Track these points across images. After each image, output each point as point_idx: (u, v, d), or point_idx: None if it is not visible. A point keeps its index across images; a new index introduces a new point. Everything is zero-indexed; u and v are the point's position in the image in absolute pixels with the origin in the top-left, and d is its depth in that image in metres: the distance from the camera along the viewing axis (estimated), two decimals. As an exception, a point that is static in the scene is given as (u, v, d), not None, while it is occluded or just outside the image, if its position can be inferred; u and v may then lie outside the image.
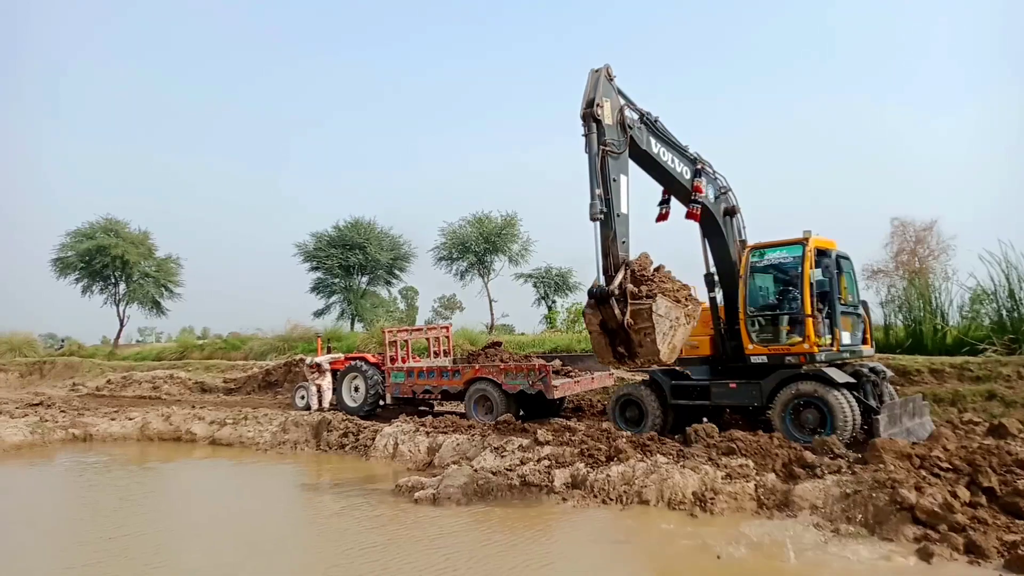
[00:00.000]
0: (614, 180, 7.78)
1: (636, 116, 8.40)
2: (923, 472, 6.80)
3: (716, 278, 9.94)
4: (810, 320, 8.81)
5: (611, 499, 7.41)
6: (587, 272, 35.36)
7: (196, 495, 9.58)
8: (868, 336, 9.99)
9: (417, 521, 7.03)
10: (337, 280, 34.74)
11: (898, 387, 10.99)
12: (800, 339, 8.96)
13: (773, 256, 9.51)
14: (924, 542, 5.68)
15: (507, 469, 8.57)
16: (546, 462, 8.59)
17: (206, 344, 32.37)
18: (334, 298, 35.27)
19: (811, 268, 8.96)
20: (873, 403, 8.77)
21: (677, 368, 10.16)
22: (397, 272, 36.45)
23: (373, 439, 10.95)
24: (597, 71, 7.99)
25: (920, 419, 9.15)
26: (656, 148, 8.70)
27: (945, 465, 6.86)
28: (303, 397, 15.16)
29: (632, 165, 8.49)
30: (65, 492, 9.90)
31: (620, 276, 7.42)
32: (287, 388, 19.37)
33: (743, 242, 9.95)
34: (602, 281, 7.58)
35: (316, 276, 34.85)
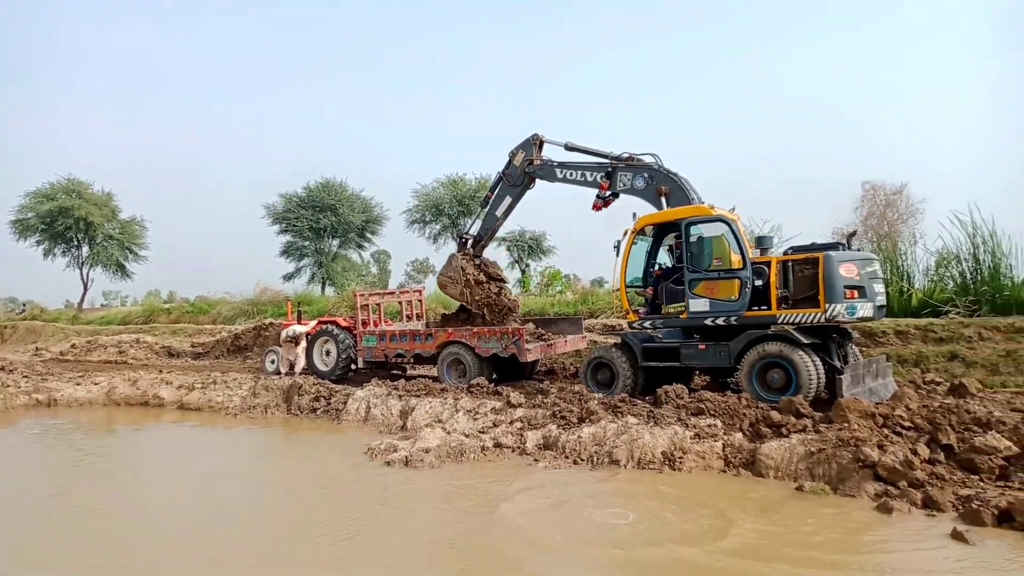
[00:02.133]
0: (499, 195, 12.36)
1: (539, 163, 11.82)
2: (885, 431, 6.99)
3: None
4: (620, 292, 10.28)
5: (582, 460, 7.51)
6: (561, 236, 35.31)
7: (162, 457, 9.49)
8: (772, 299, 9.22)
9: (389, 484, 7.03)
10: (307, 243, 34.20)
11: (865, 348, 11.23)
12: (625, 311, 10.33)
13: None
14: (884, 498, 5.86)
15: (480, 432, 8.63)
16: (519, 424, 8.66)
17: (173, 308, 31.77)
18: (305, 261, 34.78)
19: (630, 245, 10.20)
20: (838, 363, 8.93)
21: (649, 330, 10.27)
22: (369, 235, 36.01)
23: (345, 403, 10.92)
24: (531, 137, 11.93)
25: (883, 379, 9.36)
26: (561, 174, 11.58)
27: (907, 424, 7.06)
28: (273, 362, 15.03)
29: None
30: (20, 453, 9.73)
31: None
32: (257, 352, 19.18)
33: None
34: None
35: (286, 239, 34.29)
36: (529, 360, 11.74)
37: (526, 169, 11.86)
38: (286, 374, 14.21)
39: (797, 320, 8.83)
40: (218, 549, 5.45)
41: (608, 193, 11.04)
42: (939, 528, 5.23)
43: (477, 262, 12.96)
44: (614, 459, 7.34)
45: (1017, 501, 5.29)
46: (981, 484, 6.05)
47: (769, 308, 9.05)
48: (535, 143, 11.94)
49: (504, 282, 13.22)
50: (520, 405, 9.39)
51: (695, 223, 9.57)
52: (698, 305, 9.52)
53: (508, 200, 12.24)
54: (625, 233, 10.33)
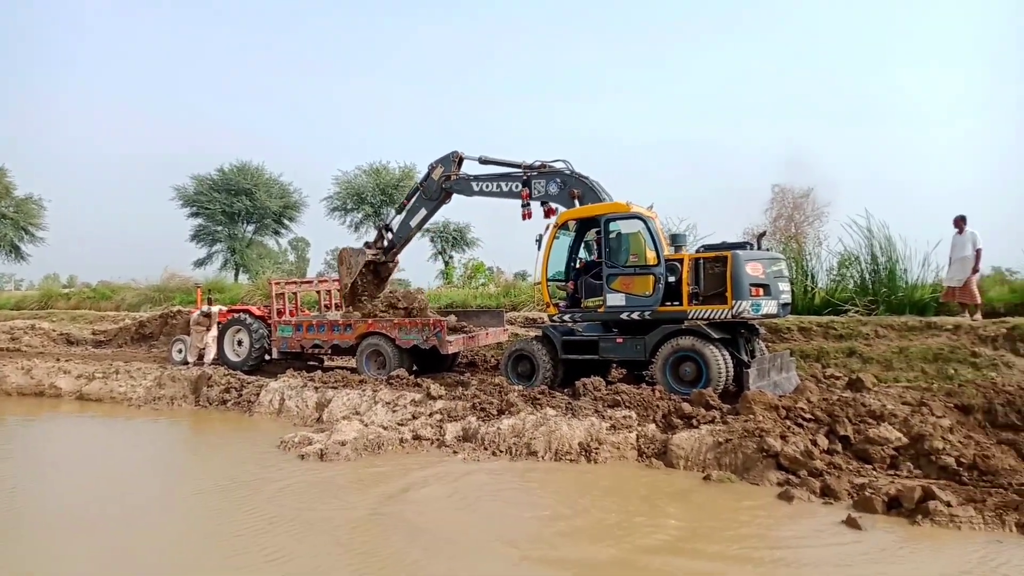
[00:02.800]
0: (415, 206, 12.38)
1: (455, 179, 11.74)
2: (788, 422, 7.33)
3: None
4: (542, 286, 10.53)
5: (501, 451, 7.53)
6: (486, 228, 35.20)
7: (56, 451, 8.87)
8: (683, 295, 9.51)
9: (299, 478, 6.82)
10: (220, 228, 32.95)
11: (770, 344, 11.75)
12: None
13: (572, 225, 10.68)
14: (786, 486, 6.15)
15: (399, 424, 8.52)
16: (438, 416, 8.61)
17: (73, 293, 29.87)
18: (217, 247, 33.51)
19: (552, 239, 10.38)
20: (745, 358, 9.32)
21: (569, 324, 10.42)
22: (287, 221, 35.03)
23: (257, 395, 10.54)
24: (451, 154, 11.79)
25: (787, 373, 9.83)
26: (478, 187, 11.60)
27: (808, 416, 7.42)
28: (181, 351, 14.36)
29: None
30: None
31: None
32: (163, 341, 18.25)
33: None
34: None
35: (197, 223, 32.86)
36: (450, 352, 11.70)
37: (443, 185, 11.88)
38: (194, 364, 13.60)
39: (706, 316, 9.15)
40: (111, 549, 5.15)
41: (529, 201, 11.15)
42: (835, 515, 5.51)
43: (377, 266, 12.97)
44: (532, 451, 7.40)
45: (905, 488, 5.65)
46: (874, 473, 6.43)
47: (681, 304, 9.34)
48: (454, 160, 11.92)
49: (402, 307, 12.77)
50: (440, 397, 9.34)
51: (614, 219, 9.76)
52: (615, 299, 9.72)
53: (423, 212, 12.31)
54: (547, 228, 10.43)
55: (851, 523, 5.26)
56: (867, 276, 14.12)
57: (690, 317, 9.25)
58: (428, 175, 12.08)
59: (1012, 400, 7.94)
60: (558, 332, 10.35)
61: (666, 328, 9.34)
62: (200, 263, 33.21)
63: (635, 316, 9.60)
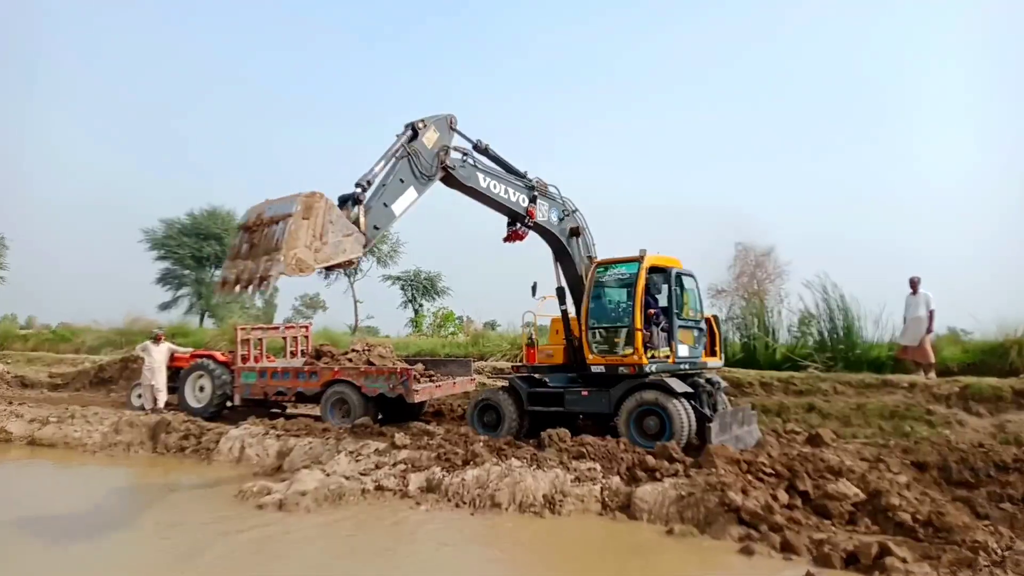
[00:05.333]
0: (401, 180, 8.46)
1: (459, 156, 9.11)
2: (749, 476, 7.42)
3: (567, 292, 10.62)
4: (639, 333, 9.35)
5: (464, 503, 7.47)
6: (456, 278, 35.40)
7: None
8: (717, 349, 10.85)
9: (259, 528, 6.68)
10: (188, 272, 32.56)
11: (733, 397, 11.93)
12: (631, 351, 9.46)
13: (614, 272, 10.03)
14: (747, 540, 6.20)
15: (361, 473, 8.40)
16: (402, 466, 8.52)
17: (31, 335, 29.08)
18: (183, 291, 33.04)
19: (643, 284, 9.51)
20: (707, 412, 9.46)
21: (535, 376, 10.48)
22: (255, 267, 34.71)
23: (217, 442, 10.34)
24: (447, 116, 9.04)
25: (749, 427, 9.98)
26: (485, 183, 9.34)
27: (768, 470, 7.53)
28: (140, 396, 14.03)
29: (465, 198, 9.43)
30: None
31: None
32: (123, 386, 17.81)
33: (591, 258, 10.73)
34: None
35: (164, 266, 32.47)
36: (417, 401, 11.63)
37: (443, 160, 8.82)
38: (152, 410, 13.29)
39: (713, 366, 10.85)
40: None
41: (532, 222, 9.74)
42: (795, 571, 5.56)
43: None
44: (496, 502, 7.35)
45: (862, 545, 5.74)
46: (832, 528, 6.52)
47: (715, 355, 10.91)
48: (451, 127, 9.08)
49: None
50: (405, 447, 9.25)
51: (683, 275, 10.22)
52: (683, 351, 9.99)
53: (412, 194, 8.64)
54: (586, 272, 10.30)
55: (810, 578, 5.32)
56: (826, 334, 14.52)
57: (709, 367, 10.57)
58: (415, 137, 8.60)
59: (965, 458, 8.17)
60: (525, 384, 10.40)
61: (630, 382, 9.46)
62: (165, 306, 32.72)
63: (690, 367, 10.16)
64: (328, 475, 8.20)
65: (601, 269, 10.16)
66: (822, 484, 7.15)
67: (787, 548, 6.04)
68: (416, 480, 8.03)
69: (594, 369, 9.82)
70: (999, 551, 5.78)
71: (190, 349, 15.26)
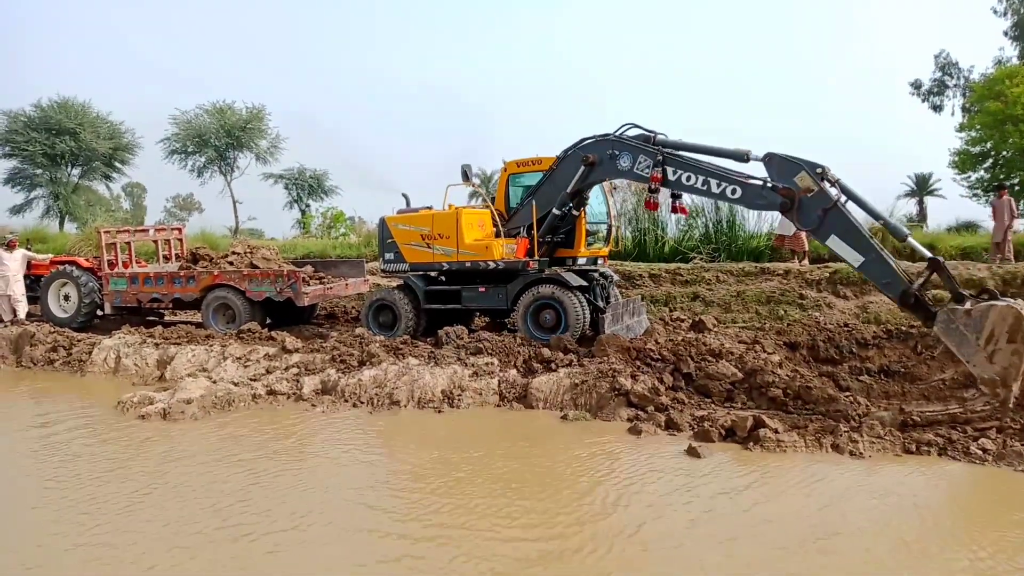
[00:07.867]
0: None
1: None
2: (638, 363, 7.77)
3: None
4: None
5: (362, 402, 7.39)
6: (342, 177, 33.68)
7: None
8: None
9: (135, 443, 6.30)
10: (40, 171, 29.36)
11: (624, 289, 12.32)
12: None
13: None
14: (635, 421, 6.54)
15: (251, 379, 8.11)
16: (295, 370, 8.29)
17: None
18: (37, 192, 29.92)
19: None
20: (601, 304, 9.73)
21: (431, 273, 10.31)
22: (118, 165, 31.76)
23: (90, 353, 9.62)
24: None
25: (639, 317, 10.38)
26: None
27: (656, 356, 7.89)
28: (-2, 309, 12.78)
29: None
30: None
31: None
32: (-26, 298, 16.17)
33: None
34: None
35: (12, 165, 29.09)
36: (307, 304, 11.26)
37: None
38: (11, 322, 12.16)
39: None
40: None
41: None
42: (678, 445, 5.95)
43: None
44: (395, 400, 7.33)
45: (738, 419, 6.18)
46: (713, 405, 6.99)
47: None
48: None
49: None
50: (297, 350, 8.98)
51: None
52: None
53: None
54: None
55: (692, 452, 5.69)
56: (711, 227, 15.13)
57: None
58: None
59: (832, 337, 8.87)
60: (421, 282, 10.23)
61: (527, 277, 9.50)
62: (17, 210, 29.56)
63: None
64: (215, 382, 7.84)
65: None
66: (704, 366, 7.59)
67: (671, 426, 6.42)
68: (310, 383, 7.84)
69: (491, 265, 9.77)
70: (858, 418, 6.38)
71: (49, 256, 13.93)
